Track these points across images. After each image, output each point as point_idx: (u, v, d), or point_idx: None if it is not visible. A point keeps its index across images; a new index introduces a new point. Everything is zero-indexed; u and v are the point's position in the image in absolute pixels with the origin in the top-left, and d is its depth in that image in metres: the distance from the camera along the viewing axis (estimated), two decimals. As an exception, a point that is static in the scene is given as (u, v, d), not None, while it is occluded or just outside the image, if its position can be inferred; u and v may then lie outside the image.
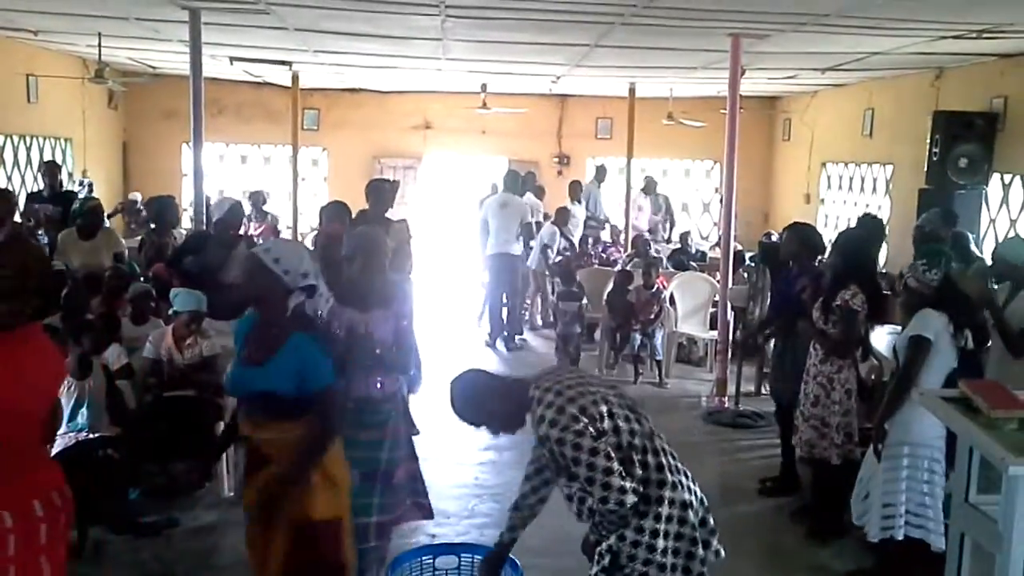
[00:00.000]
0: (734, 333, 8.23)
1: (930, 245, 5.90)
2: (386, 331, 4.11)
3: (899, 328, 4.89)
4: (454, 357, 9.04)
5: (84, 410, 4.99)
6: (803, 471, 5.84)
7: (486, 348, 10.13)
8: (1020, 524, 3.19)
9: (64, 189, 9.40)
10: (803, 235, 5.96)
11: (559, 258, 10.43)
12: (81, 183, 11.63)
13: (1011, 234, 8.87)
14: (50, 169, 9.15)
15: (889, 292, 6.83)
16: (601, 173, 13.29)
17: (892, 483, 4.35)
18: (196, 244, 6.67)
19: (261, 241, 8.99)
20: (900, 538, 4.35)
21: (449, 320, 11.31)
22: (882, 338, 6.33)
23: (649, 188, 13.24)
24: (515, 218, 10.04)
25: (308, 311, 3.39)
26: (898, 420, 4.34)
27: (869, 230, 6.84)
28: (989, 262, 5.71)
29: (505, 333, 10.24)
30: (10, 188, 10.16)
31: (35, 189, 9.96)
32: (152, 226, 8.43)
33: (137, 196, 12.36)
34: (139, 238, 8.95)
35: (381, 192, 6.64)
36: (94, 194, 11.22)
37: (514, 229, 10.01)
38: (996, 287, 5.25)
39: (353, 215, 6.06)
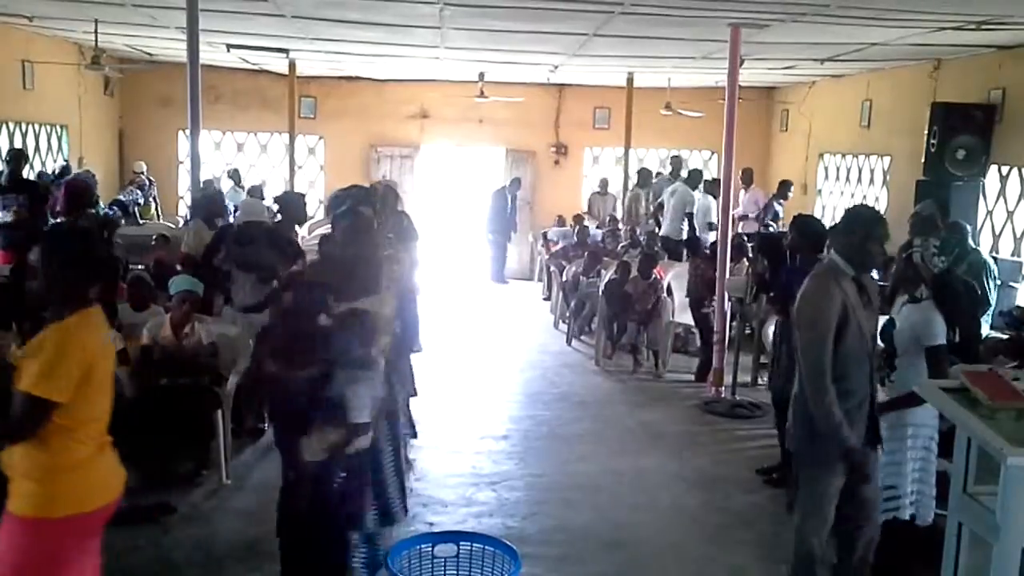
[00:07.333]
0: (731, 323, 8.23)
1: (952, 234, 5.96)
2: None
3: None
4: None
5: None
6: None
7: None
8: (1017, 514, 3.21)
9: (27, 178, 9.30)
10: (804, 228, 5.94)
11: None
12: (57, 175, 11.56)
13: (1008, 226, 8.90)
14: (17, 157, 9.06)
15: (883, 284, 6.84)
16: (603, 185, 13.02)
17: (896, 465, 4.35)
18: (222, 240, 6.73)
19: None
20: (906, 518, 4.37)
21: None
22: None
23: (644, 181, 13.14)
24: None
25: None
26: None
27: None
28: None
29: None
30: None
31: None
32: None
33: (142, 166, 13.21)
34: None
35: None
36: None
37: None
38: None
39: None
